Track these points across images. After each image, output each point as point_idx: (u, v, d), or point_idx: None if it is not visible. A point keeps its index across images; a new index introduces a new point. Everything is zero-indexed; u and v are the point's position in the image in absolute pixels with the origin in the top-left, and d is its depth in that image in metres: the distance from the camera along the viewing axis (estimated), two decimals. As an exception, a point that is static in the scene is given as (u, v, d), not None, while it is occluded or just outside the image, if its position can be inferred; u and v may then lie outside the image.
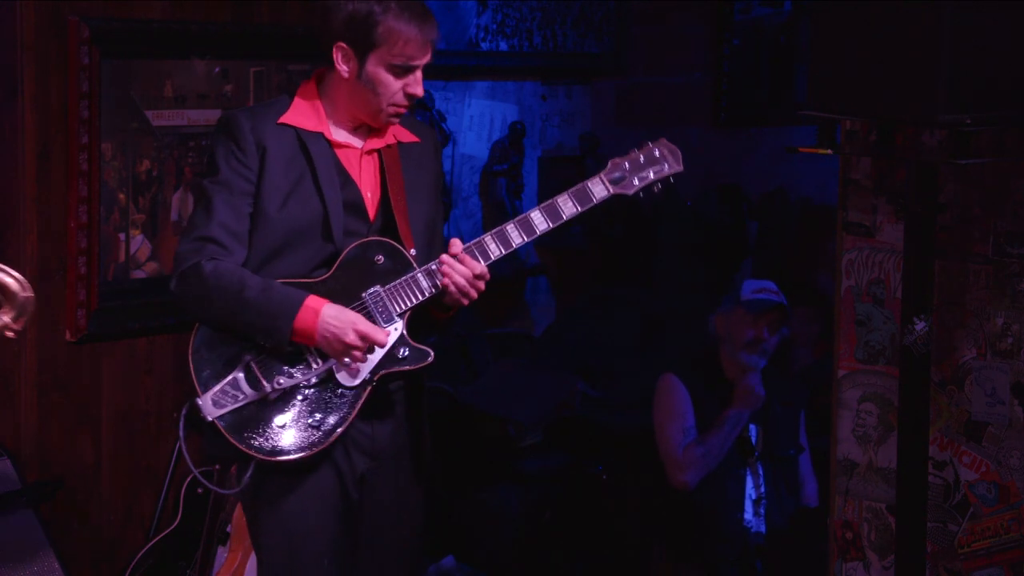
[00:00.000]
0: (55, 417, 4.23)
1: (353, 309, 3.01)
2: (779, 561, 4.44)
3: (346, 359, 2.97)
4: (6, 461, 4.06)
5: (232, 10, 4.62)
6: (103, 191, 4.28)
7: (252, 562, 4.21)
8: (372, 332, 2.97)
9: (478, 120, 7.15)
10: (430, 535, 5.17)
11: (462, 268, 3.03)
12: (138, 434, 4.44)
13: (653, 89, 7.50)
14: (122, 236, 4.36)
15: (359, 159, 3.14)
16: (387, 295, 3.05)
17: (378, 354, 3.04)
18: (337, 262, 3.05)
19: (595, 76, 7.35)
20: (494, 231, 3.10)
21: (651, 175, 3.18)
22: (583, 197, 3.12)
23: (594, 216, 7.25)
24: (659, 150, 3.23)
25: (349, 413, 3.01)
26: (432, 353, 3.10)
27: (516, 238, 3.09)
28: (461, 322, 6.46)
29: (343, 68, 3.06)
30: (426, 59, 3.12)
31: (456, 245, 3.06)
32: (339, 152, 3.12)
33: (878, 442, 3.59)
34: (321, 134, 3.10)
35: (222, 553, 4.14)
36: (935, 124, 3.00)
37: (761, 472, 4.51)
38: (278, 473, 3.00)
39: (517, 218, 3.10)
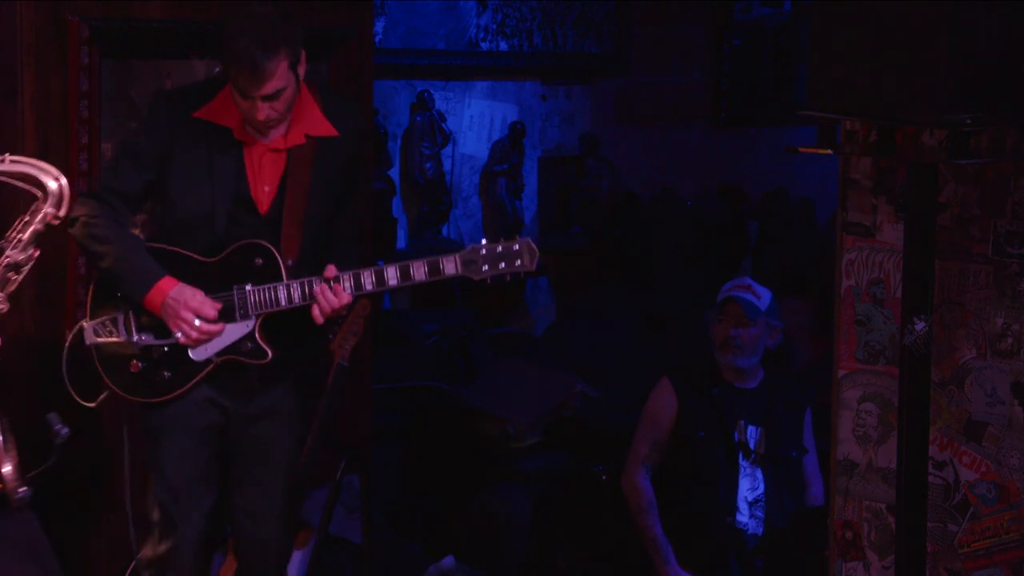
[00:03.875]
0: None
1: (219, 297, 3.41)
2: (779, 561, 4.44)
3: (178, 333, 3.38)
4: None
5: (232, 10, 4.61)
6: (103, 191, 4.28)
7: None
8: (202, 308, 3.37)
9: (478, 120, 7.16)
10: (430, 535, 5.19)
11: (331, 297, 3.39)
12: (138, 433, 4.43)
13: (653, 89, 7.51)
14: (122, 236, 4.36)
15: (261, 155, 3.46)
16: (252, 295, 3.42)
17: (224, 340, 3.44)
18: (225, 252, 3.44)
19: (595, 76, 7.35)
20: (373, 268, 3.42)
21: (501, 268, 3.39)
22: (434, 269, 3.39)
23: (594, 216, 7.26)
24: (518, 247, 3.42)
25: (191, 380, 3.47)
26: (270, 354, 3.46)
27: (389, 280, 3.41)
28: (461, 322, 6.47)
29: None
30: (260, 91, 3.32)
31: (331, 270, 3.39)
32: (246, 148, 3.46)
33: (878, 442, 3.59)
34: (230, 130, 3.43)
35: (219, 559, 4.14)
36: (935, 124, 3.00)
37: (760, 474, 4.51)
38: (151, 409, 3.53)
39: (394, 264, 3.41)
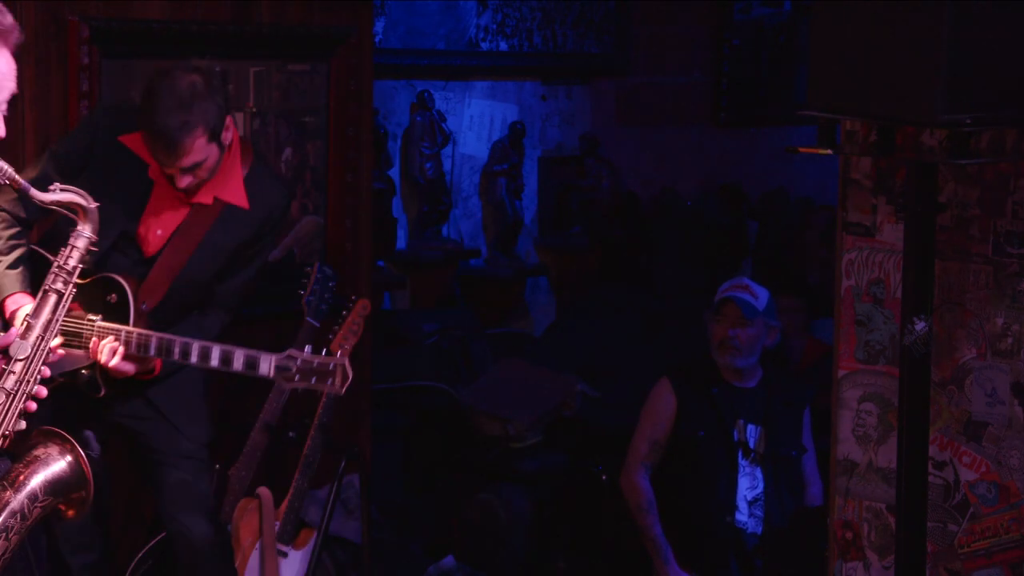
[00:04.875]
0: (58, 418, 4.22)
1: (70, 324, 3.33)
2: (779, 561, 4.44)
3: None
4: (6, 461, 4.05)
5: (232, 10, 4.61)
6: (103, 191, 4.27)
7: (253, 560, 4.22)
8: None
9: (478, 120, 7.15)
10: (430, 535, 5.18)
11: (120, 364, 3.39)
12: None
13: (653, 89, 7.50)
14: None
15: (166, 199, 3.47)
16: (96, 330, 3.40)
17: (65, 364, 3.35)
18: (89, 278, 3.36)
19: (595, 76, 7.35)
20: (182, 339, 3.41)
21: (311, 382, 3.37)
22: (251, 364, 3.38)
23: (595, 216, 7.25)
24: (333, 366, 3.39)
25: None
26: (103, 391, 3.45)
27: (192, 356, 3.39)
28: (461, 322, 6.47)
29: None
30: (177, 164, 3.37)
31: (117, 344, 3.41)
32: (157, 186, 3.47)
33: (878, 442, 3.59)
34: (148, 166, 3.45)
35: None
36: (935, 124, 2.99)
37: (760, 473, 4.51)
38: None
39: (200, 343, 3.41)
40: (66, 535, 3.79)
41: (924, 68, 2.79)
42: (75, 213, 2.60)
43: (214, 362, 3.39)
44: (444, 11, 6.77)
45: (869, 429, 3.60)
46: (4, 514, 2.50)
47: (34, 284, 3.34)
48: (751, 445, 4.52)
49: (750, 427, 4.52)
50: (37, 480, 2.54)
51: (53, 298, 2.55)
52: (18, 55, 2.58)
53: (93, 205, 2.61)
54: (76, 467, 2.58)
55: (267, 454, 4.35)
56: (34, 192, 2.51)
